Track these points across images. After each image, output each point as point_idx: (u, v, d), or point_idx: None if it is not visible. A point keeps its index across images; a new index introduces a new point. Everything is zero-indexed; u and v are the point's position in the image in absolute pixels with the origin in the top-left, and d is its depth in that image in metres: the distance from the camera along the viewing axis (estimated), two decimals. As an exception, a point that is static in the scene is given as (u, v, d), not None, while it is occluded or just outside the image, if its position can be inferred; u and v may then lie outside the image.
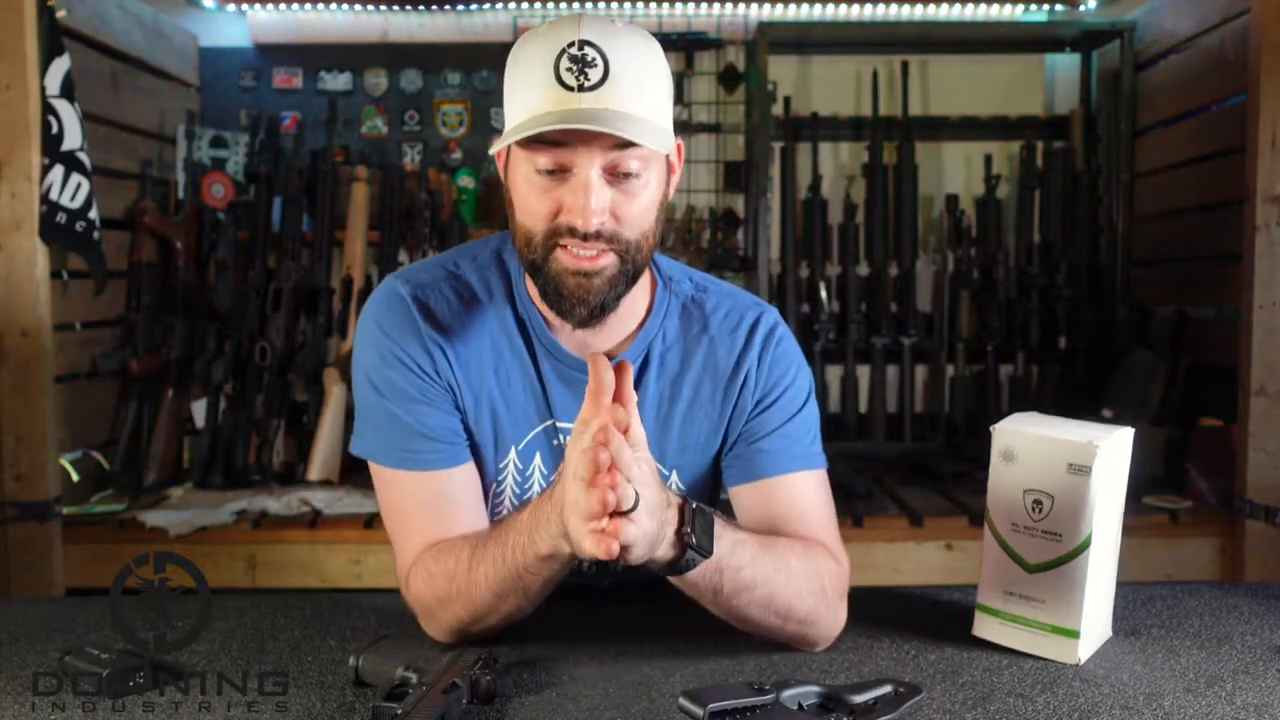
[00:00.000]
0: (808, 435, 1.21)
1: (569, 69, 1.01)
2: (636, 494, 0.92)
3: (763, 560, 1.06)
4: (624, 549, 0.92)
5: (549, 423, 1.19)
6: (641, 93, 1.03)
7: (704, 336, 1.21)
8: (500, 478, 1.20)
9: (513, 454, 1.20)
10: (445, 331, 1.16)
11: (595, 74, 1.01)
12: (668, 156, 1.12)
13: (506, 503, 1.22)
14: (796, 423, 1.21)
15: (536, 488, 1.21)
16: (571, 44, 1.01)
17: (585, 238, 1.05)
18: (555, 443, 1.20)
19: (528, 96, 1.03)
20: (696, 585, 1.04)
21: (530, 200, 1.07)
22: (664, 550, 0.98)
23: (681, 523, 0.98)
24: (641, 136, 1.01)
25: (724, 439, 1.22)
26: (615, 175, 1.04)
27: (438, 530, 1.13)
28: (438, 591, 1.10)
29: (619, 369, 0.95)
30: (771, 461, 1.19)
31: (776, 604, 1.08)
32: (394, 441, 1.15)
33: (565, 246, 1.06)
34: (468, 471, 1.17)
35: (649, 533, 0.94)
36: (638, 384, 1.19)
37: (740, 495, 1.21)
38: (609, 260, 1.07)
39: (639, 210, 1.07)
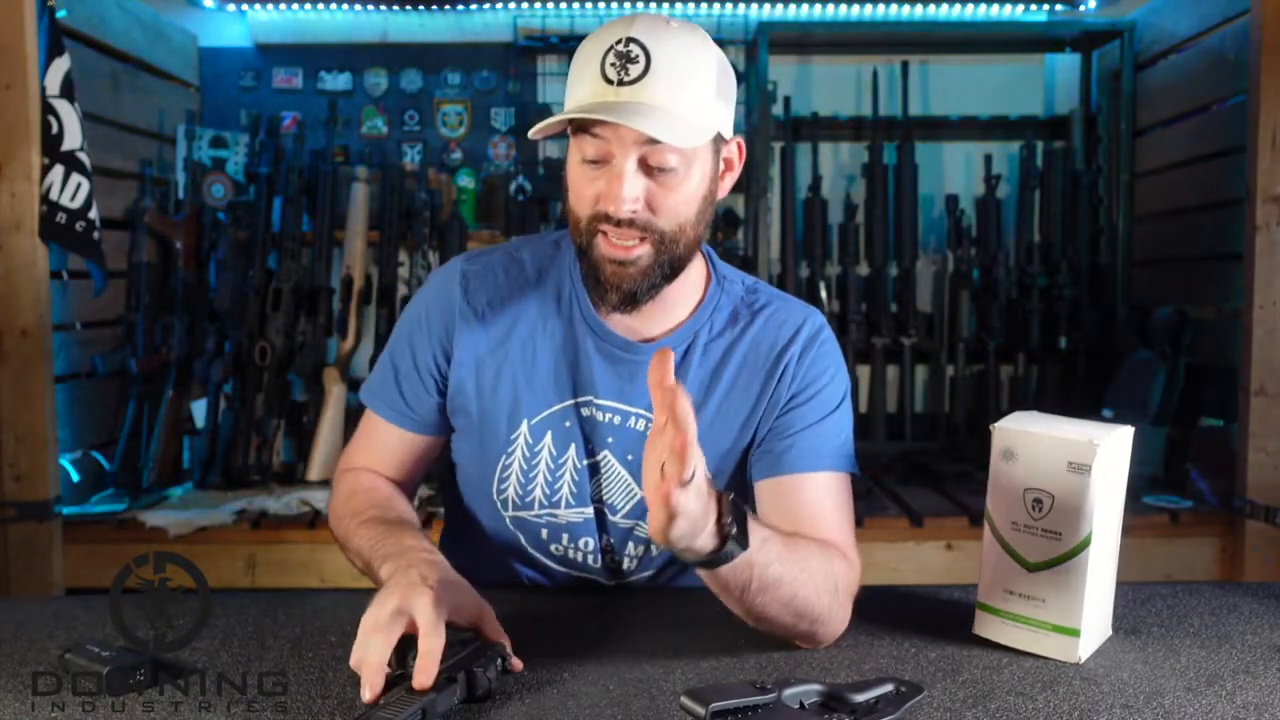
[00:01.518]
0: (838, 437, 1.22)
1: (613, 64, 1.07)
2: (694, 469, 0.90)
3: (786, 557, 1.06)
4: (672, 519, 0.89)
5: (569, 403, 1.23)
6: (680, 88, 1.08)
7: (748, 331, 1.25)
8: (510, 449, 1.25)
9: (524, 427, 1.24)
10: (480, 313, 1.24)
11: (635, 69, 1.07)
12: (720, 152, 1.17)
13: (514, 477, 1.25)
14: (828, 423, 1.22)
15: (543, 467, 1.24)
16: (619, 41, 1.08)
17: (619, 224, 1.10)
18: (567, 424, 1.23)
19: (577, 89, 1.10)
20: (728, 581, 1.03)
21: (577, 186, 1.14)
22: (704, 540, 0.96)
23: (721, 513, 0.97)
24: (661, 130, 1.05)
25: (755, 433, 1.23)
26: (650, 168, 1.10)
27: (378, 465, 1.31)
28: (336, 510, 1.28)
29: (661, 356, 0.93)
30: (798, 458, 1.20)
31: (796, 603, 1.08)
32: (381, 392, 1.31)
33: (605, 233, 1.12)
34: (425, 443, 1.31)
35: (694, 513, 0.91)
36: (680, 370, 1.22)
37: (762, 490, 1.21)
38: (644, 250, 1.12)
39: (675, 202, 1.12)
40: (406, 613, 0.98)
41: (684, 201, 1.12)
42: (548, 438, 1.23)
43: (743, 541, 0.99)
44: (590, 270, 1.15)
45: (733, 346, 1.24)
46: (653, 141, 1.07)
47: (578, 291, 1.23)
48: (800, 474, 1.19)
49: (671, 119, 1.06)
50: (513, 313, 1.24)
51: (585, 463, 1.24)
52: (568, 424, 1.23)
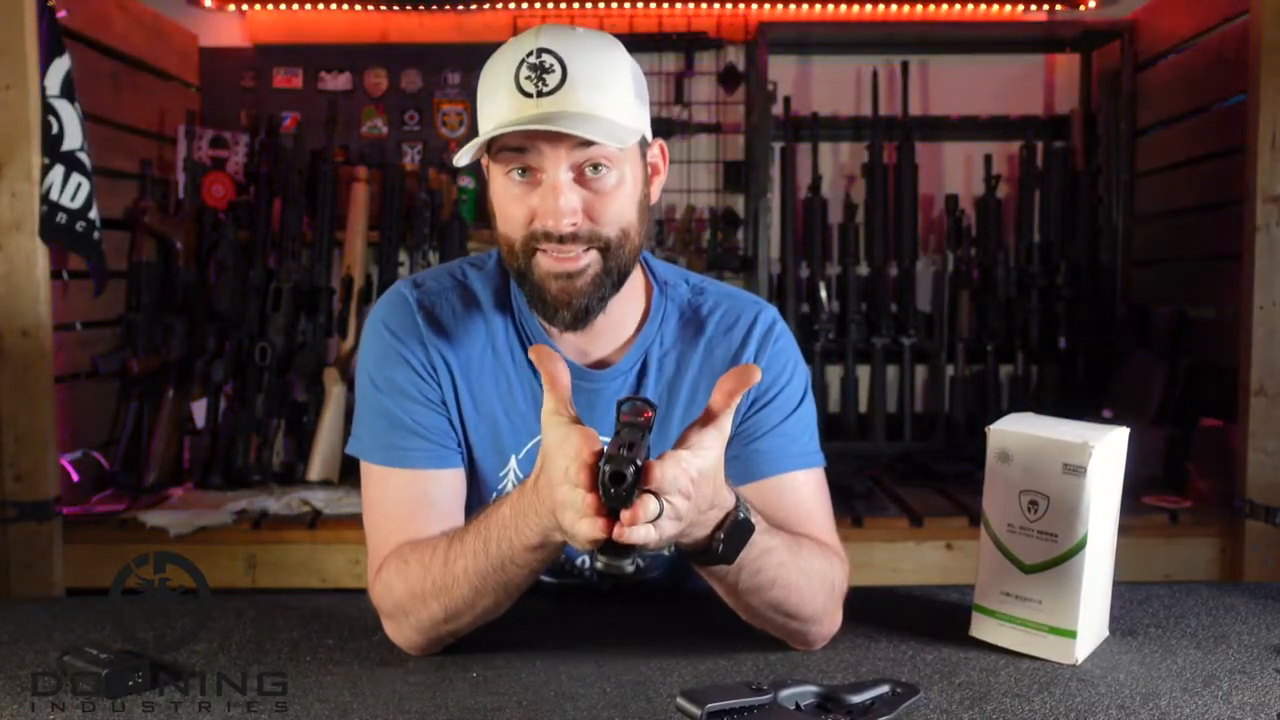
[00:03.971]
0: (805, 433, 1.21)
1: (527, 77, 1.04)
2: (661, 505, 0.88)
3: (788, 566, 1.06)
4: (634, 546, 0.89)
5: None
6: (601, 93, 1.06)
7: (700, 339, 1.22)
8: (500, 486, 1.21)
9: (513, 463, 1.20)
10: (449, 338, 1.18)
11: (553, 79, 1.04)
12: (646, 156, 1.14)
13: None
14: (793, 421, 1.21)
15: None
16: (530, 53, 1.05)
17: (561, 240, 1.07)
18: None
19: (491, 109, 1.07)
20: (713, 575, 1.04)
21: (507, 208, 1.10)
22: (691, 541, 0.97)
23: (718, 527, 0.97)
24: (595, 133, 1.03)
25: None
26: (584, 175, 1.07)
27: (414, 531, 1.12)
28: (412, 585, 1.07)
29: (746, 371, 0.96)
30: (769, 461, 1.19)
31: (788, 605, 1.08)
32: (384, 439, 1.16)
33: (545, 250, 1.08)
34: (454, 477, 1.17)
35: (667, 535, 0.90)
36: (637, 389, 1.21)
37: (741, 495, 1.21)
38: (591, 258, 1.09)
39: (615, 208, 1.09)
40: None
41: (623, 206, 1.09)
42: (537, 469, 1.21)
43: (726, 559, 0.98)
44: (534, 292, 1.11)
45: (687, 357, 1.21)
46: (584, 146, 1.05)
47: (529, 319, 1.19)
48: (774, 477, 1.18)
49: (599, 123, 1.04)
50: (480, 345, 1.19)
51: None
52: None
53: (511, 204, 1.09)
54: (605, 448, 0.88)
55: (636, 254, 1.14)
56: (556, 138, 1.04)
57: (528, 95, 1.04)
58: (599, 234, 1.08)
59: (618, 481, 0.85)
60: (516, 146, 1.06)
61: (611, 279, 1.11)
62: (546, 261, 1.09)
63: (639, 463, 0.86)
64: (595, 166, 1.07)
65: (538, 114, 1.03)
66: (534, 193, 1.07)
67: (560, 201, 1.05)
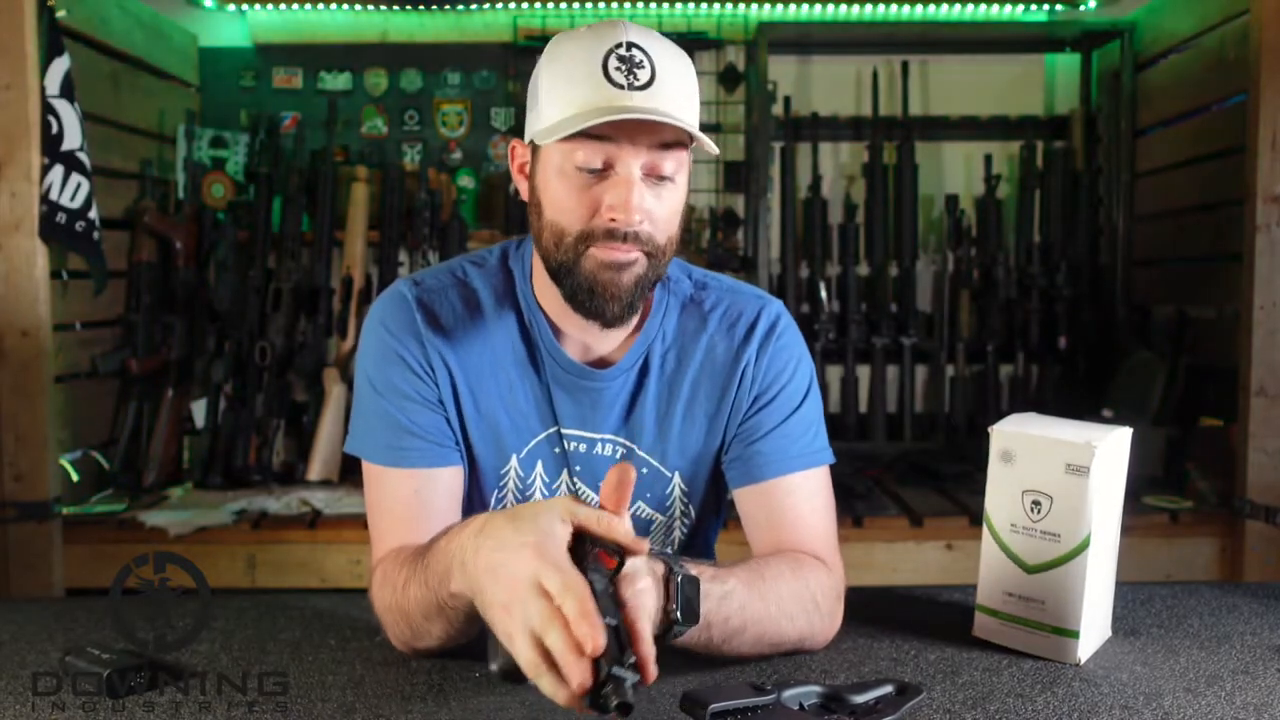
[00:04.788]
0: (808, 432, 1.20)
1: (618, 68, 1.02)
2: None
3: (752, 602, 1.03)
4: None
5: (552, 429, 1.19)
6: (681, 95, 1.05)
7: (702, 335, 1.21)
8: (502, 484, 1.20)
9: (514, 461, 1.20)
10: (448, 337, 1.16)
11: (643, 75, 1.03)
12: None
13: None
14: (795, 420, 1.20)
15: (538, 495, 1.20)
16: (619, 45, 1.03)
17: (624, 238, 1.05)
18: (557, 450, 1.19)
19: (573, 92, 1.03)
20: (686, 642, 0.99)
21: (567, 198, 1.06)
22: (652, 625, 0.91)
23: (667, 599, 0.92)
24: (694, 131, 1.03)
25: (723, 438, 1.21)
26: (651, 177, 1.05)
27: (409, 531, 1.11)
28: (386, 601, 1.06)
29: (623, 470, 0.88)
30: (769, 464, 1.18)
31: (767, 638, 1.06)
32: (383, 438, 1.15)
33: (599, 246, 1.06)
34: (452, 475, 1.16)
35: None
36: (639, 387, 1.20)
37: (742, 498, 1.20)
38: (638, 256, 1.07)
39: (668, 214, 1.08)
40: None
41: (674, 213, 1.08)
42: (539, 466, 1.19)
43: (690, 621, 0.94)
44: (582, 284, 1.07)
45: (688, 354, 1.20)
46: (661, 148, 1.03)
47: (535, 317, 1.18)
48: (773, 480, 1.17)
49: (683, 126, 1.03)
50: (480, 343, 1.17)
51: (578, 487, 1.20)
52: (557, 449, 1.19)
53: (574, 194, 1.05)
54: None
55: (669, 264, 1.13)
56: (639, 134, 1.02)
57: (619, 86, 1.01)
58: (653, 238, 1.07)
59: (624, 713, 0.77)
60: (599, 135, 1.02)
61: (647, 284, 1.09)
62: (599, 253, 1.06)
63: (636, 675, 0.79)
64: (664, 170, 1.05)
65: (632, 106, 1.00)
66: (600, 185, 1.04)
67: (635, 197, 1.03)
